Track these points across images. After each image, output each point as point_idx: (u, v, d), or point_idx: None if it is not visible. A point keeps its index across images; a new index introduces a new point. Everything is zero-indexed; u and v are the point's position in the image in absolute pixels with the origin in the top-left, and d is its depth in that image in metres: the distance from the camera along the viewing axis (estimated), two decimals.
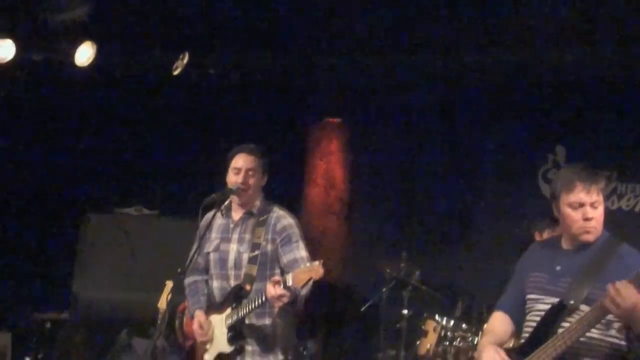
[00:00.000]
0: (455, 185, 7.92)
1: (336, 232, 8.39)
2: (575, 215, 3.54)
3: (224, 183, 4.65)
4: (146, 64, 7.31)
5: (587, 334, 3.39)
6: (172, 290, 4.41)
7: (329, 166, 8.47)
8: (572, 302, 3.46)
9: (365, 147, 8.40)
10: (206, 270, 4.76)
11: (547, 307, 3.55)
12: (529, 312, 3.69)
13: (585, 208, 3.52)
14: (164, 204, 7.64)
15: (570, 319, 3.45)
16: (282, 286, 4.09)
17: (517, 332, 3.88)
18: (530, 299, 3.69)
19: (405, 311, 6.27)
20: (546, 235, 5.52)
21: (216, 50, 7.23)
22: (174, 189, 7.90)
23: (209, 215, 4.62)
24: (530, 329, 3.63)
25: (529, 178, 7.59)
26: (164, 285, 5.16)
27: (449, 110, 7.92)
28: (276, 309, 4.45)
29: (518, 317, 3.80)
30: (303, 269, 4.08)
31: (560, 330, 3.44)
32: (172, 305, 4.52)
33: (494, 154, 7.77)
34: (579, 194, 3.51)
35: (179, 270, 4.49)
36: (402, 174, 8.18)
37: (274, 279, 4.19)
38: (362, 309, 6.64)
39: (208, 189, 4.62)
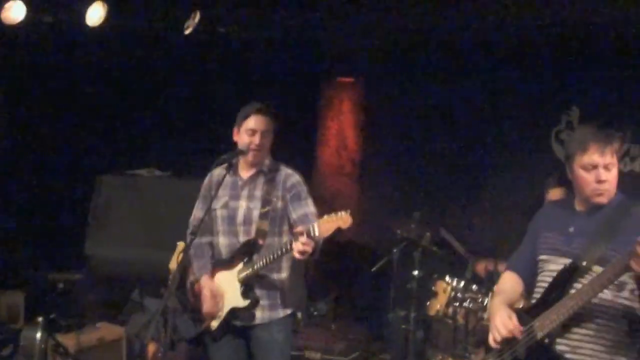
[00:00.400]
0: (469, 146, 7.90)
1: (348, 192, 8.42)
2: (588, 177, 3.52)
3: (233, 141, 4.67)
4: (157, 24, 7.26)
5: (600, 296, 3.39)
6: (184, 251, 4.43)
7: (341, 126, 8.46)
8: (584, 263, 3.46)
9: (377, 107, 8.38)
10: (211, 231, 4.76)
11: (560, 267, 3.55)
12: (541, 272, 3.69)
13: (598, 170, 3.50)
14: (176, 165, 7.64)
15: (582, 280, 3.45)
16: (306, 236, 4.10)
17: (527, 292, 3.89)
18: (542, 260, 3.70)
19: (415, 272, 6.26)
20: (557, 193, 5.49)
21: (227, 8, 7.17)
22: (185, 149, 7.90)
23: (216, 174, 4.67)
24: (541, 289, 3.63)
25: (542, 138, 7.55)
26: (176, 245, 5.18)
27: (462, 70, 7.84)
28: (286, 264, 4.53)
29: (528, 277, 3.81)
30: (329, 219, 4.10)
31: (572, 291, 3.44)
32: (184, 265, 4.53)
33: (507, 113, 7.71)
34: (593, 156, 3.49)
35: (189, 231, 4.59)
36: (414, 134, 8.16)
37: (297, 229, 4.18)
38: (373, 269, 6.65)
39: (220, 149, 4.63)
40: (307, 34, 7.80)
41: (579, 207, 3.66)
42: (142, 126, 8.16)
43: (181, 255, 4.43)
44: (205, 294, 4.60)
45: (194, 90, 8.19)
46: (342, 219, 4.09)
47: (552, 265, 3.62)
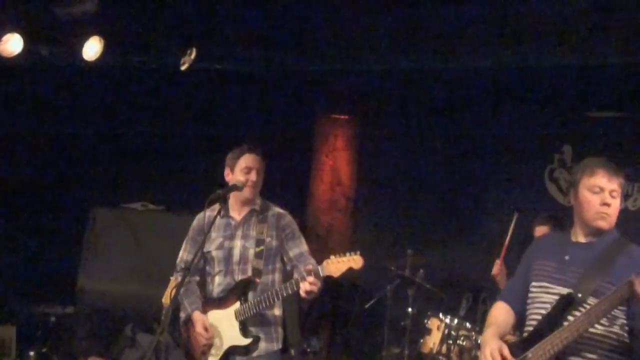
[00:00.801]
0: (461, 183, 7.94)
1: (342, 228, 8.41)
2: (594, 199, 3.57)
3: (224, 181, 4.70)
4: (153, 60, 7.31)
5: (591, 329, 3.39)
6: (176, 287, 4.43)
7: (335, 163, 8.48)
8: (580, 295, 3.47)
9: (371, 143, 8.42)
10: (200, 270, 4.82)
11: (554, 297, 3.56)
12: (534, 301, 3.68)
13: (604, 193, 3.55)
14: (170, 200, 7.66)
15: (576, 312, 3.44)
16: (313, 276, 4.18)
17: (518, 323, 3.88)
18: (535, 287, 3.69)
19: (409, 309, 6.28)
20: (544, 230, 5.55)
21: (223, 46, 7.22)
22: (179, 184, 7.93)
23: (204, 216, 4.72)
24: (535, 320, 3.63)
25: (535, 177, 7.60)
26: (169, 280, 5.17)
27: (453, 109, 7.93)
28: (279, 301, 4.56)
29: (520, 308, 3.80)
30: (339, 259, 4.20)
31: (566, 323, 3.44)
32: (176, 300, 4.54)
33: (500, 151, 7.78)
34: (601, 179, 3.56)
35: (182, 266, 4.65)
36: (407, 171, 8.20)
37: (307, 268, 4.26)
38: (367, 306, 6.68)
39: (213, 185, 4.65)
40: (303, 70, 7.86)
41: (575, 238, 3.68)
42: (136, 160, 8.18)
43: (174, 291, 4.43)
44: (198, 329, 4.59)
45: (188, 126, 8.22)
46: (353, 260, 4.21)
47: (547, 295, 3.61)
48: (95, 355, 6.58)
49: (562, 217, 3.86)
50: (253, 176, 4.61)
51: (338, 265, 4.18)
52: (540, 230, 5.70)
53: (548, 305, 3.58)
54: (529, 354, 3.49)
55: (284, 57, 7.49)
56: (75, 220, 7.54)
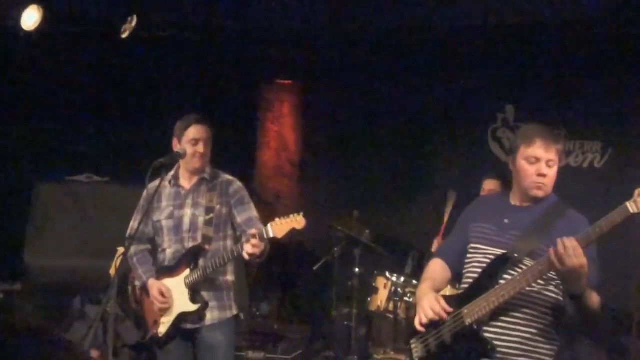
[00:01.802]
0: (406, 143, 8.01)
1: (289, 194, 8.47)
2: (530, 169, 3.60)
3: (170, 150, 4.68)
4: (94, 28, 7.20)
5: (528, 288, 3.45)
6: (122, 256, 4.44)
7: (281, 129, 8.50)
8: (516, 255, 3.52)
9: (316, 108, 8.44)
10: (150, 240, 4.84)
11: (491, 257, 3.60)
12: (472, 261, 3.73)
13: (540, 164, 3.58)
14: (115, 171, 7.60)
15: (512, 272, 3.50)
16: (260, 239, 4.23)
17: (454, 279, 3.96)
18: (474, 249, 3.74)
19: (356, 269, 6.32)
20: (492, 184, 5.65)
21: (165, 12, 7.15)
22: (123, 155, 7.85)
23: (153, 185, 4.67)
24: (471, 278, 3.68)
25: (478, 136, 7.69)
26: (116, 252, 5.17)
27: (398, 69, 7.96)
28: (231, 267, 4.64)
29: (456, 265, 3.86)
30: (283, 220, 4.25)
31: (502, 282, 3.49)
32: (123, 271, 4.55)
33: (444, 111, 7.85)
34: (538, 149, 3.57)
35: (127, 236, 4.65)
36: (352, 135, 8.25)
37: (251, 231, 4.29)
38: (315, 268, 6.70)
39: (157, 155, 4.57)
40: (246, 36, 7.81)
41: (514, 201, 3.73)
42: (80, 132, 8.07)
43: (119, 261, 4.44)
44: (154, 293, 4.61)
45: (130, 95, 8.13)
46: (296, 220, 4.26)
47: (484, 255, 3.67)
48: (45, 330, 6.54)
49: (509, 176, 3.89)
50: (200, 148, 4.62)
51: (281, 226, 4.24)
52: (489, 184, 5.81)
53: (485, 266, 3.63)
54: (465, 309, 3.55)
55: (227, 23, 7.44)
56: (19, 195, 7.44)
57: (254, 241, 4.23)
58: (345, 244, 6.52)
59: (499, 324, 3.53)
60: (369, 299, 6.25)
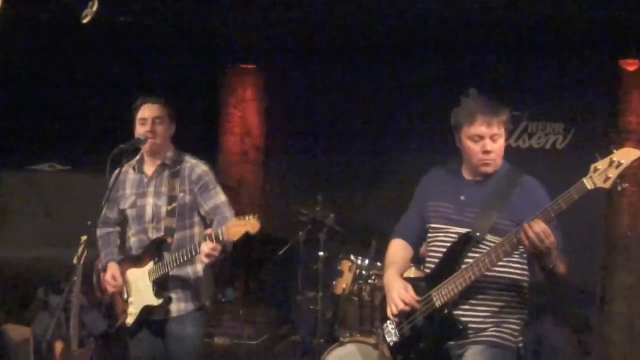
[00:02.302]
0: (369, 127, 8.03)
1: (253, 179, 8.44)
2: (475, 148, 3.61)
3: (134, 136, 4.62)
4: (54, 12, 7.09)
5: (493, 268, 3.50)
6: (86, 245, 4.39)
7: (244, 114, 8.46)
8: (478, 234, 3.56)
9: (279, 93, 8.42)
10: (118, 223, 4.79)
11: (453, 237, 3.65)
12: (434, 241, 3.77)
13: (485, 141, 3.59)
14: (77, 159, 7.52)
15: (477, 250, 3.56)
16: (214, 241, 4.14)
17: (416, 260, 3.99)
18: (434, 229, 3.77)
19: (321, 253, 6.32)
20: None
21: None
22: (86, 143, 7.77)
23: (117, 172, 4.58)
24: (435, 259, 3.72)
25: (442, 119, 7.71)
26: (80, 241, 5.13)
27: (361, 54, 7.96)
28: (196, 258, 4.50)
29: (417, 242, 3.94)
30: (237, 223, 4.12)
31: (467, 261, 3.55)
32: (87, 260, 4.51)
33: (407, 95, 7.86)
34: (480, 127, 3.58)
35: (89, 223, 4.49)
36: (316, 119, 8.25)
37: (206, 232, 4.22)
38: (280, 253, 6.72)
39: (120, 142, 4.52)
40: (209, 21, 7.75)
41: (467, 175, 3.75)
42: (41, 120, 7.98)
43: (83, 249, 4.40)
44: (107, 278, 4.59)
45: (92, 82, 8.05)
46: (250, 224, 4.12)
47: (445, 235, 3.70)
48: (10, 321, 6.49)
49: None
50: (148, 126, 4.52)
51: (236, 229, 4.12)
52: None
53: (447, 245, 3.68)
54: (434, 292, 3.61)
55: (189, 7, 7.37)
56: None
57: (210, 244, 4.16)
58: (310, 229, 6.52)
59: (469, 301, 3.60)
60: (334, 283, 6.26)
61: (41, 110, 7.95)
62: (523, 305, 3.70)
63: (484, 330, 3.60)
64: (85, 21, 6.68)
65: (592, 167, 3.20)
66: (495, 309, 3.61)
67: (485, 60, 7.55)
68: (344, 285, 6.12)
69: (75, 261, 5.05)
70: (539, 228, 3.27)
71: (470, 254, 3.58)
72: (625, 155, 3.16)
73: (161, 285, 4.49)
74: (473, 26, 7.17)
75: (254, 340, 7.07)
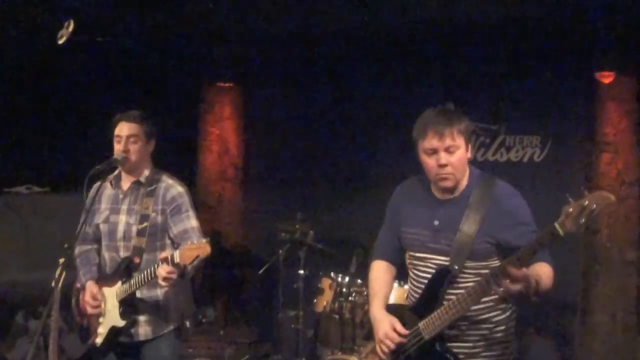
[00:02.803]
0: (348, 145, 8.05)
1: (232, 197, 8.43)
2: (430, 162, 3.47)
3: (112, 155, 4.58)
4: (30, 34, 7.07)
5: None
6: (63, 267, 4.33)
7: (222, 132, 8.46)
8: (456, 266, 3.46)
9: (257, 111, 8.43)
10: (96, 240, 4.69)
11: (432, 266, 3.56)
12: (414, 268, 3.68)
13: (439, 154, 3.43)
14: (55, 181, 7.48)
15: (458, 280, 3.48)
16: (169, 263, 4.04)
17: (398, 273, 3.90)
18: (412, 256, 3.69)
19: (301, 271, 6.32)
20: None
21: (104, 16, 7.04)
22: (64, 164, 7.73)
23: (97, 184, 4.57)
24: (417, 289, 3.65)
25: None
26: (59, 263, 5.08)
27: (338, 72, 7.99)
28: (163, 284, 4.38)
29: (397, 258, 3.83)
30: (190, 246, 4.00)
31: (450, 292, 3.48)
32: (65, 282, 4.44)
33: (387, 112, 7.88)
34: (431, 140, 3.42)
35: (65, 246, 4.41)
36: (295, 136, 8.26)
37: (161, 256, 4.12)
38: (260, 272, 6.67)
39: (98, 163, 4.47)
40: (187, 39, 7.75)
41: (437, 193, 3.60)
42: (18, 141, 7.93)
43: (60, 271, 4.33)
44: (86, 297, 4.51)
45: (70, 103, 8.02)
46: (201, 248, 3.98)
47: (424, 265, 3.61)
48: None
49: None
50: (122, 145, 4.45)
51: (189, 252, 3.98)
52: None
53: (428, 275, 3.58)
54: (421, 324, 3.53)
55: (167, 25, 7.36)
56: None
57: (165, 267, 4.05)
58: (289, 247, 6.50)
59: (458, 326, 3.53)
60: (315, 301, 6.26)
61: (18, 131, 7.91)
62: (511, 320, 3.64)
63: (476, 355, 3.55)
64: (60, 42, 6.68)
65: (564, 210, 3.06)
66: (485, 331, 3.55)
67: (462, 74, 7.58)
68: (325, 303, 6.11)
69: (52, 284, 5.02)
70: (511, 276, 3.16)
71: (452, 286, 3.49)
72: (597, 200, 3.01)
73: (127, 307, 4.40)
74: (449, 40, 7.22)
75: None
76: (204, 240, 4.01)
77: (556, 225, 3.07)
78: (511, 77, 7.46)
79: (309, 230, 6.36)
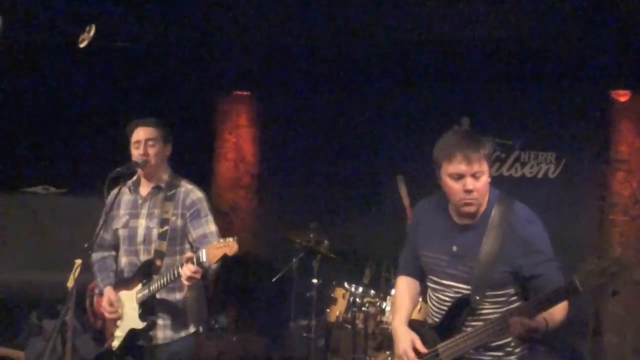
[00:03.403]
0: (363, 155, 8.06)
1: (246, 205, 8.46)
2: (455, 187, 3.37)
3: (129, 160, 4.61)
4: (51, 37, 7.13)
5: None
6: (80, 268, 4.38)
7: (238, 140, 8.50)
8: (477, 297, 3.43)
9: (273, 120, 8.46)
10: (114, 246, 4.74)
11: (451, 292, 3.54)
12: (434, 293, 3.66)
13: (465, 179, 3.35)
14: (72, 182, 7.52)
15: (478, 310, 3.47)
16: (194, 263, 4.09)
17: (423, 288, 3.86)
18: (431, 279, 3.67)
19: (314, 280, 6.34)
20: None
21: (124, 23, 7.11)
22: (81, 166, 7.78)
23: (115, 191, 4.60)
24: (437, 313, 3.64)
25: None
26: (74, 264, 5.12)
27: (354, 82, 8.01)
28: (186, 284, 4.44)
29: (421, 274, 3.79)
30: (217, 245, 4.06)
31: (469, 318, 3.48)
32: (81, 283, 4.48)
33: (402, 125, 7.90)
34: (459, 165, 3.34)
35: (85, 245, 4.43)
36: (310, 145, 8.27)
37: (186, 256, 4.17)
38: (273, 280, 6.69)
39: (115, 166, 4.52)
40: (204, 47, 7.80)
41: (455, 217, 3.54)
42: (37, 142, 7.99)
43: (78, 272, 4.38)
44: (104, 303, 4.55)
45: (89, 106, 8.08)
46: (228, 246, 4.04)
47: (443, 291, 3.60)
48: (2, 345, 6.45)
49: None
50: (141, 149, 4.50)
51: (216, 251, 4.04)
52: None
53: (447, 299, 3.58)
54: (440, 347, 3.52)
55: (184, 34, 7.43)
56: None
57: (190, 266, 4.10)
58: (303, 255, 6.53)
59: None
60: (327, 310, 6.27)
61: (36, 132, 7.97)
62: (525, 344, 3.62)
63: None
64: (81, 45, 6.75)
65: (584, 267, 3.07)
66: (501, 353, 3.54)
67: (478, 90, 7.61)
68: (337, 313, 6.12)
69: (69, 284, 5.06)
70: (522, 327, 3.22)
71: (472, 316, 3.48)
72: (618, 264, 3.04)
73: (147, 309, 4.45)
74: (466, 56, 7.25)
75: None
76: (231, 239, 4.06)
77: (577, 281, 3.09)
78: (528, 93, 7.49)
79: (323, 239, 6.38)
